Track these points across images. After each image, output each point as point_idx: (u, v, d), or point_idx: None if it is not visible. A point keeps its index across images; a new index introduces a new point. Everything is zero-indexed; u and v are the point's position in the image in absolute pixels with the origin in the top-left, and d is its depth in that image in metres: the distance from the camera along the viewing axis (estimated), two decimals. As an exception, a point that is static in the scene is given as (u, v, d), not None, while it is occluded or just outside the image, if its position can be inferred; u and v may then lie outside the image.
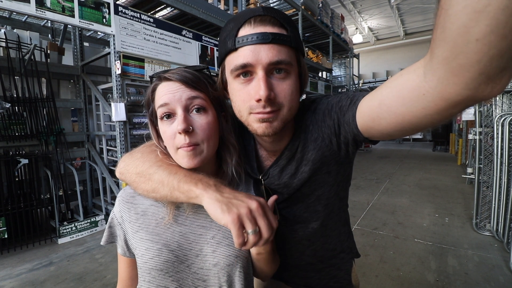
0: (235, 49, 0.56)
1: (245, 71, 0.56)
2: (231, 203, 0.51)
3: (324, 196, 0.71)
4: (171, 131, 0.58)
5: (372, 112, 0.49)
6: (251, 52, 0.54)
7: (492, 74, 0.30)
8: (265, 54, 0.53)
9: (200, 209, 0.65)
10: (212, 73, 0.69)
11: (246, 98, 0.57)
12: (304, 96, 0.71)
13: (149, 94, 0.63)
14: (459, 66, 0.30)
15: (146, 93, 0.65)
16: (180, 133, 0.56)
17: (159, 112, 0.59)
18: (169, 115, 0.59)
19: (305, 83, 0.63)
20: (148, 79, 3.30)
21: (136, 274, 0.68)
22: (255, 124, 0.58)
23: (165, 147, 0.65)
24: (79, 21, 2.62)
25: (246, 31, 0.55)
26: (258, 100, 0.55)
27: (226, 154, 0.66)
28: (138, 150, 0.68)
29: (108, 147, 3.75)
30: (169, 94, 0.58)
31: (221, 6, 4.75)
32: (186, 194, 0.55)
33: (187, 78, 0.59)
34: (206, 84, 0.62)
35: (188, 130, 0.56)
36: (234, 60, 0.56)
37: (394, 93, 0.43)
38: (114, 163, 3.64)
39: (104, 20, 2.81)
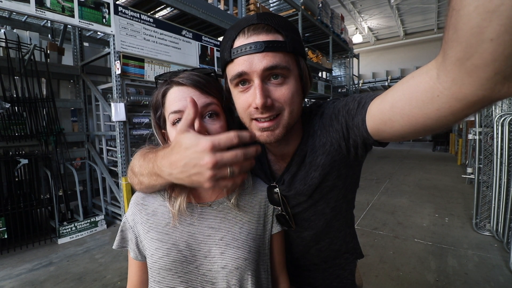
0: (231, 60, 0.57)
1: (242, 79, 0.57)
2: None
3: (333, 199, 0.71)
4: None
5: (384, 115, 0.48)
6: (246, 61, 0.55)
7: (508, 73, 0.29)
8: (258, 61, 0.54)
9: (209, 209, 0.65)
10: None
11: (246, 106, 0.58)
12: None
13: (158, 98, 0.62)
14: (474, 67, 0.30)
15: (154, 96, 0.64)
16: None
17: (171, 118, 0.59)
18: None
19: (307, 85, 0.63)
20: (148, 79, 3.24)
21: (146, 279, 0.68)
22: (257, 132, 0.59)
23: None
24: (79, 21, 2.62)
25: (240, 41, 0.56)
26: (256, 108, 0.56)
27: None
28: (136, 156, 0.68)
29: (108, 147, 3.74)
30: (182, 100, 0.58)
31: (221, 6, 4.75)
32: (158, 168, 0.53)
33: (200, 83, 0.59)
34: (216, 88, 0.62)
35: None
36: (231, 70, 0.58)
37: (406, 95, 0.42)
38: (114, 163, 3.63)
39: (104, 20, 2.81)
